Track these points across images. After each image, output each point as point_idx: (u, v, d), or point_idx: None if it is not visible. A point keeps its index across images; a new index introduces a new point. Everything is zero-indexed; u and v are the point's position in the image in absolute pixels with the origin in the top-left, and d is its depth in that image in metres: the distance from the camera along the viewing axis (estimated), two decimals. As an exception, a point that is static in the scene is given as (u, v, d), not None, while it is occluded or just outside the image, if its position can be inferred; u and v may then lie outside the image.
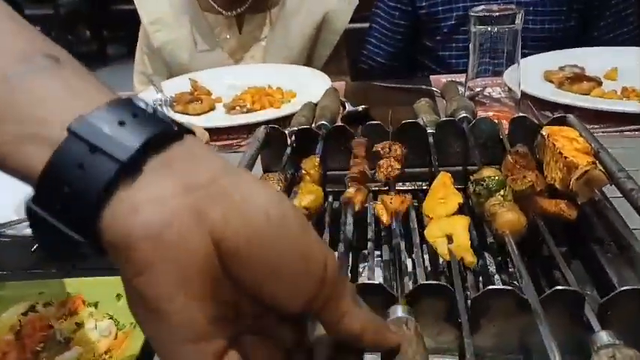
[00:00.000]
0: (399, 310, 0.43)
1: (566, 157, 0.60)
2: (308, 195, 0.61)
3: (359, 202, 0.61)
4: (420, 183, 0.79)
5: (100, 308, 0.57)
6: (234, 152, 1.00)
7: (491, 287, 0.45)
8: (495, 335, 0.47)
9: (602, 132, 0.91)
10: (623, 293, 0.44)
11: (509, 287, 0.45)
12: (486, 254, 0.65)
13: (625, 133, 0.90)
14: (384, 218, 0.58)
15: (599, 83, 1.03)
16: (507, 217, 0.53)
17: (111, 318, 0.56)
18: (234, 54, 1.53)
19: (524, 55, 1.30)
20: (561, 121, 0.76)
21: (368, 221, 0.66)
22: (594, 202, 0.61)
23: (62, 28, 4.99)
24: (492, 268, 0.63)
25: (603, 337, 0.41)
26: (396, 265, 0.53)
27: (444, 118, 0.80)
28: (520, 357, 0.47)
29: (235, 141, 1.03)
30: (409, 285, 0.55)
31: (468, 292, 0.56)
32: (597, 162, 0.60)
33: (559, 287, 0.44)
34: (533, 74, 1.13)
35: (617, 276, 0.55)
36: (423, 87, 1.19)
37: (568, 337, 0.45)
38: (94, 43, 5.72)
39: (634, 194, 0.56)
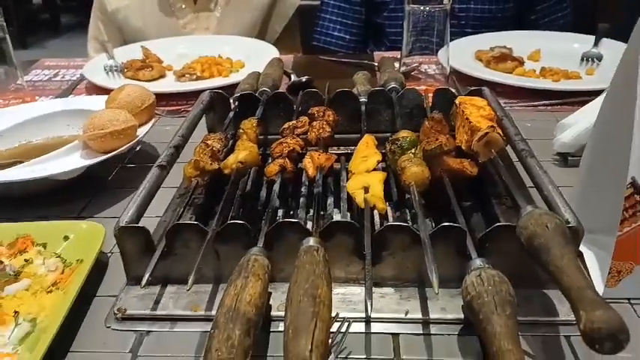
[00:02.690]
0: (311, 240, 0.51)
1: (470, 122, 0.69)
2: (244, 150, 0.68)
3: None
4: (353, 147, 0.86)
5: (49, 248, 0.62)
6: (182, 117, 1.05)
7: (389, 223, 0.53)
8: (395, 266, 0.55)
9: (519, 106, 1.01)
10: (498, 228, 0.52)
11: (405, 224, 0.53)
12: (405, 210, 0.73)
13: (539, 107, 1.00)
14: (310, 171, 0.66)
15: (522, 63, 1.13)
16: (413, 170, 0.62)
17: (58, 257, 0.61)
18: (188, 24, 1.57)
19: (465, 34, 1.39)
20: (478, 93, 0.85)
21: (303, 180, 0.72)
22: (497, 162, 0.70)
23: (14, -4, 4.82)
24: (407, 217, 0.71)
25: (477, 262, 0.49)
26: (314, 210, 0.60)
27: (375, 88, 0.88)
28: (416, 284, 0.55)
29: (183, 106, 1.08)
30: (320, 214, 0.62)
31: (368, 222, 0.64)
32: (497, 127, 0.68)
33: (446, 224, 0.52)
34: (466, 53, 1.22)
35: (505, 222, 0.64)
36: (365, 62, 1.27)
37: (455, 267, 0.53)
38: (47, 12, 5.54)
39: (524, 154, 0.65)
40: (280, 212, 0.70)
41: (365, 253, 0.52)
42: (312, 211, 0.66)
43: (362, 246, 0.53)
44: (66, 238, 0.63)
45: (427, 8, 0.99)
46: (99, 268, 0.62)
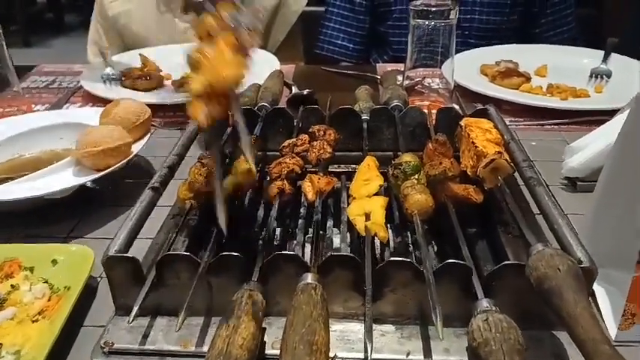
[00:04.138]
0: (309, 277, 0.48)
1: (477, 147, 0.66)
2: (241, 172, 0.65)
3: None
4: (354, 166, 0.84)
5: (36, 272, 0.60)
6: (180, 129, 1.02)
7: (392, 259, 0.50)
8: (396, 302, 0.52)
9: (525, 124, 0.98)
10: (505, 267, 0.50)
11: (407, 259, 0.50)
12: (407, 233, 0.70)
13: (545, 126, 0.97)
14: (310, 196, 0.63)
15: (528, 79, 1.10)
16: (416, 198, 0.59)
17: (46, 282, 0.59)
18: (189, 29, 1.54)
19: (468, 46, 1.36)
20: (483, 113, 0.83)
21: (302, 200, 0.70)
22: (503, 189, 0.67)
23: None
24: (409, 242, 0.68)
25: (483, 303, 0.47)
26: (313, 238, 0.57)
27: (378, 106, 0.85)
28: (417, 322, 0.53)
29: (181, 118, 1.05)
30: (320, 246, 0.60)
31: (368, 253, 0.62)
32: (505, 152, 0.66)
33: (450, 260, 0.50)
34: (471, 67, 1.20)
35: (513, 255, 0.61)
36: (368, 74, 1.24)
37: (459, 306, 0.51)
38: (52, 12, 5.53)
39: (532, 182, 0.63)
40: (278, 232, 0.68)
41: (365, 289, 0.49)
42: (310, 235, 0.64)
43: (362, 280, 0.50)
44: (54, 262, 0.61)
45: (432, 23, 0.97)
46: (87, 293, 0.59)
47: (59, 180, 0.72)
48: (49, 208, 0.73)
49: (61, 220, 0.73)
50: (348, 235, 0.65)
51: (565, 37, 1.53)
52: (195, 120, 0.54)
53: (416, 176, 0.64)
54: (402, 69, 1.33)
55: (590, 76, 1.14)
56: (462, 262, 0.50)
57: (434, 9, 0.96)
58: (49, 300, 0.57)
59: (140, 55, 1.26)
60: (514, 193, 0.69)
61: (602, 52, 1.19)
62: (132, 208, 0.59)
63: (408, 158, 0.66)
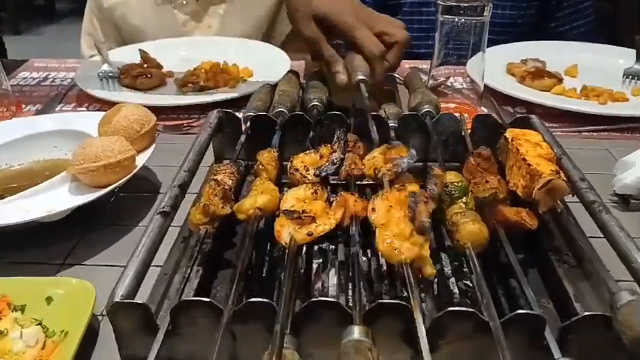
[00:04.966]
0: (356, 332, 0.41)
1: (529, 165, 0.58)
2: (264, 194, 0.57)
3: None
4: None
5: (28, 312, 0.52)
6: (185, 134, 0.94)
7: (451, 309, 0.43)
8: (451, 356, 0.45)
9: (561, 132, 0.90)
10: (586, 319, 0.42)
11: (471, 309, 0.42)
12: (443, 256, 0.63)
13: (583, 133, 0.90)
14: (345, 223, 0.55)
15: (560, 80, 1.03)
16: (469, 228, 0.51)
17: (39, 324, 0.50)
18: (189, 21, 1.45)
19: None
20: (524, 121, 0.75)
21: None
22: (564, 213, 0.60)
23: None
24: (449, 270, 0.61)
25: (563, 365, 0.39)
26: (353, 275, 0.49)
27: (407, 112, 0.77)
28: (476, 377, 0.45)
29: (186, 121, 0.97)
30: (364, 292, 0.53)
31: (425, 304, 0.54)
32: (560, 170, 0.58)
33: (521, 311, 0.42)
34: (494, 65, 1.11)
35: (574, 289, 0.54)
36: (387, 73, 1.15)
37: (527, 360, 0.43)
38: (42, -2, 5.40)
39: (595, 207, 0.55)
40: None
41: (419, 342, 0.42)
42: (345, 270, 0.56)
43: (412, 330, 0.43)
44: (49, 299, 0.53)
45: (462, 20, 0.89)
46: (88, 336, 0.51)
47: (53, 200, 0.63)
48: (40, 230, 0.64)
49: (55, 242, 0.65)
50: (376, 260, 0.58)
51: (582, 32, 1.45)
52: None
53: (463, 199, 0.56)
54: (419, 66, 1.26)
55: (624, 77, 1.07)
56: (533, 312, 0.43)
57: (465, 4, 0.87)
58: (42, 348, 0.49)
59: (140, 50, 1.16)
60: (564, 215, 0.61)
61: (632, 51, 1.11)
62: (139, 238, 0.51)
63: (452, 177, 0.58)
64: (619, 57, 1.14)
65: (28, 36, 4.71)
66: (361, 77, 0.84)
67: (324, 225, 0.52)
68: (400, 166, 0.55)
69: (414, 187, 0.53)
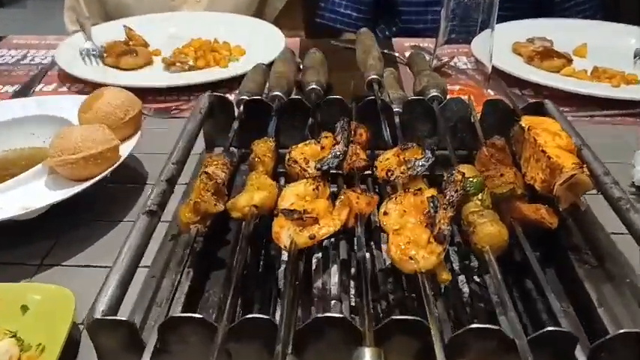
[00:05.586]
0: (367, 355, 0.36)
1: (550, 157, 0.54)
2: (260, 190, 0.52)
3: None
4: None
5: (0, 323, 0.47)
6: (173, 117, 0.88)
7: (473, 326, 0.38)
8: (472, 374, 0.41)
9: (572, 116, 0.85)
10: (621, 337, 0.38)
11: (495, 327, 0.38)
12: (450, 250, 0.58)
13: (595, 118, 0.85)
14: (350, 223, 0.50)
15: (570, 60, 0.97)
16: (488, 230, 0.47)
17: (14, 336, 0.46)
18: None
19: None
20: (538, 107, 0.70)
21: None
22: (589, 210, 0.56)
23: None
24: (457, 267, 0.56)
25: (598, 389, 0.35)
26: (360, 283, 0.45)
27: (413, 97, 0.72)
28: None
29: (175, 104, 0.91)
30: (370, 300, 0.48)
31: (436, 313, 0.50)
32: (583, 164, 0.54)
33: (550, 328, 0.38)
34: (499, 44, 1.05)
35: (596, 292, 0.50)
36: (386, 52, 1.10)
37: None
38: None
39: (622, 204, 0.51)
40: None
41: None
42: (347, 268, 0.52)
43: (430, 348, 0.39)
44: (24, 308, 0.48)
45: (471, -3, 0.83)
46: (68, 350, 0.46)
47: (29, 195, 0.58)
48: (16, 226, 0.59)
49: (32, 241, 0.60)
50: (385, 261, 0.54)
51: (586, 8, 1.40)
52: None
53: (479, 196, 0.51)
54: (420, 44, 1.20)
55: (636, 58, 1.02)
56: (564, 329, 0.38)
57: (474, -21, 0.82)
58: (17, 364, 0.44)
59: (124, 26, 1.09)
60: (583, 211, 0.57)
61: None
62: (124, 239, 0.46)
63: (466, 171, 0.53)
64: (629, 36, 1.09)
65: (12, 8, 4.54)
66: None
67: (327, 227, 0.47)
68: (415, 170, 0.51)
69: (431, 192, 0.48)
